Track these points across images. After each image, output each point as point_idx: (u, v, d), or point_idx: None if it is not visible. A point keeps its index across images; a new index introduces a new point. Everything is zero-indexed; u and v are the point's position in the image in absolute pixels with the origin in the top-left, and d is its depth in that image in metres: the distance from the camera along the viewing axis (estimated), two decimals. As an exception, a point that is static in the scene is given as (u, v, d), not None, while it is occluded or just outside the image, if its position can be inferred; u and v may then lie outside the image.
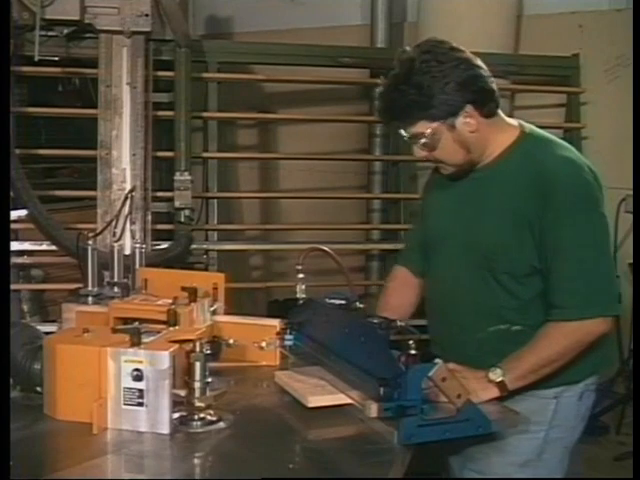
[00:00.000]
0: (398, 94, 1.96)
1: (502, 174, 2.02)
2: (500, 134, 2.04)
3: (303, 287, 2.35)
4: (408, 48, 2.01)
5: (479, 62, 2.00)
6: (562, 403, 2.05)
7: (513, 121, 2.09)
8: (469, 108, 1.96)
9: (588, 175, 1.97)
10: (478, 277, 2.04)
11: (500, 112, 2.05)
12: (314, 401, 1.90)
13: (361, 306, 2.13)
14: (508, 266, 1.99)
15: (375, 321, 1.98)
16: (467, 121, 1.97)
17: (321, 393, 1.93)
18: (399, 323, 1.97)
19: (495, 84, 2.02)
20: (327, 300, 2.17)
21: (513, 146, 2.03)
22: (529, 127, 2.08)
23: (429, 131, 1.97)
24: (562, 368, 1.95)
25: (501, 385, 1.88)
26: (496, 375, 1.85)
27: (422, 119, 1.96)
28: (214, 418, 1.81)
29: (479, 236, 2.03)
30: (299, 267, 2.36)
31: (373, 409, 1.76)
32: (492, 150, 2.03)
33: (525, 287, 1.99)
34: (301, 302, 2.31)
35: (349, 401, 1.89)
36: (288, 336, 2.26)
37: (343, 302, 2.14)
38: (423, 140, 1.99)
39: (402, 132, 2.03)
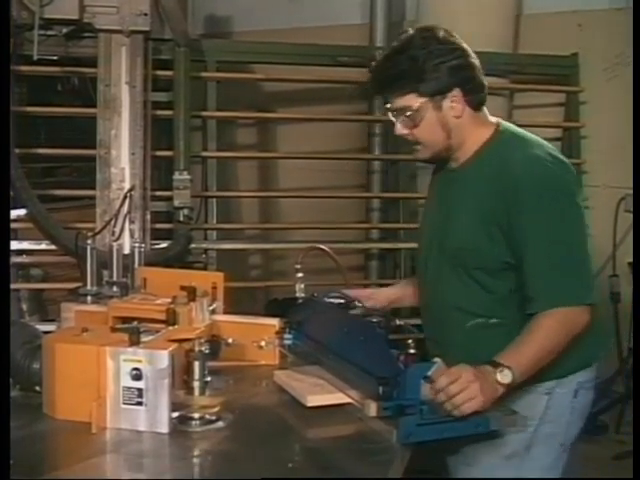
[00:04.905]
0: (392, 63, 2.02)
1: (473, 174, 2.05)
2: (479, 129, 2.07)
3: (302, 286, 2.35)
4: (410, 29, 2.07)
5: (474, 55, 2.05)
6: (555, 399, 2.05)
7: (493, 119, 2.12)
8: (457, 92, 2.00)
9: (557, 169, 1.99)
10: (453, 274, 2.07)
11: (485, 110, 2.09)
12: (313, 400, 1.90)
13: (360, 305, 2.13)
14: (479, 262, 2.01)
15: (374, 320, 1.98)
16: (453, 105, 2.00)
17: (320, 392, 1.93)
18: (398, 322, 1.97)
19: (486, 80, 2.07)
20: (326, 299, 2.18)
21: (486, 145, 2.06)
22: (506, 126, 2.11)
23: (416, 106, 2.00)
24: (550, 363, 1.95)
25: (509, 385, 1.85)
26: (507, 377, 1.81)
27: (411, 92, 1.99)
28: (213, 417, 1.81)
29: (450, 234, 2.07)
30: (298, 266, 2.36)
31: (372, 408, 1.76)
32: (469, 145, 2.06)
33: (500, 282, 2.01)
34: (300, 301, 2.31)
35: (348, 400, 1.89)
36: (287, 335, 2.26)
37: (342, 301, 2.14)
38: (408, 113, 2.01)
39: (387, 106, 2.06)
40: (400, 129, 2.06)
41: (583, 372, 2.09)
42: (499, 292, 2.02)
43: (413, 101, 2.00)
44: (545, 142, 2.08)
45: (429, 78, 1.98)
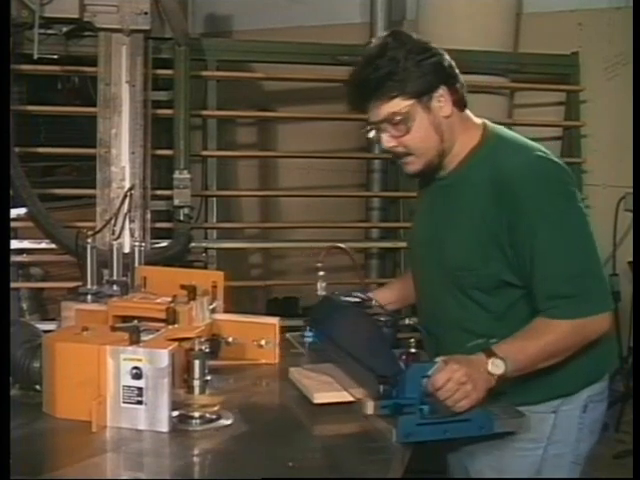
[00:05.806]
0: (372, 69, 1.89)
1: (464, 183, 1.95)
2: (467, 131, 1.97)
3: (324, 285, 2.34)
4: (374, 40, 1.98)
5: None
6: (562, 417, 1.96)
7: (478, 120, 2.03)
8: (443, 90, 1.91)
9: (554, 172, 1.91)
10: (449, 292, 1.99)
11: (468, 112, 2.01)
12: (320, 397, 1.90)
13: (377, 304, 2.12)
14: (475, 281, 1.92)
15: (382, 319, 1.97)
16: (441, 105, 1.91)
17: (327, 390, 1.93)
18: (407, 321, 1.97)
19: (464, 80, 1.99)
20: (343, 298, 2.18)
21: (475, 150, 1.96)
22: (492, 128, 2.02)
23: (404, 109, 1.89)
24: (557, 379, 1.90)
25: (500, 376, 1.79)
26: (498, 369, 1.77)
27: (397, 96, 1.88)
28: (213, 416, 1.80)
29: (445, 251, 1.97)
30: (319, 265, 2.34)
31: (369, 406, 1.76)
32: (457, 150, 1.96)
33: (497, 299, 1.93)
34: (320, 300, 2.32)
35: (353, 398, 1.89)
36: (308, 333, 2.29)
37: (358, 300, 2.15)
38: (397, 119, 1.89)
39: (371, 119, 1.95)
40: (388, 141, 1.94)
41: (593, 385, 2.00)
42: (497, 310, 1.94)
43: (400, 105, 1.89)
44: (536, 144, 1.98)
45: (413, 77, 1.88)
